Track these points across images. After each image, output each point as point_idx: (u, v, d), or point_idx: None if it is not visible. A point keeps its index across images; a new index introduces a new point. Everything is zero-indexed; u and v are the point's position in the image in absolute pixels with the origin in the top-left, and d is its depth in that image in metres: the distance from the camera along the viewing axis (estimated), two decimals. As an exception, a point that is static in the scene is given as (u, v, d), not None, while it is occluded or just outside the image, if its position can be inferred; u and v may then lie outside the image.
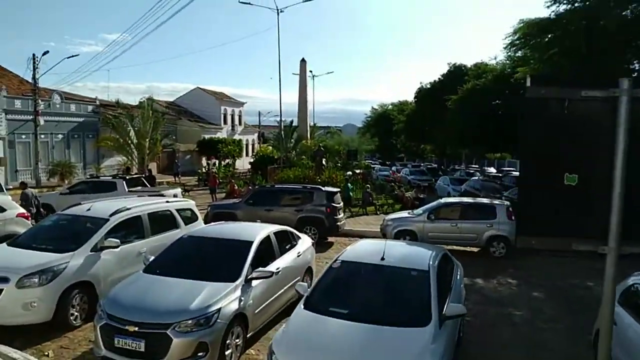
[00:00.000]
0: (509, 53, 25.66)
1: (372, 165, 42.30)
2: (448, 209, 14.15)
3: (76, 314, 7.24)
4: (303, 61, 37.12)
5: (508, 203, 14.19)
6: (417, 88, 46.05)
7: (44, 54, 30.22)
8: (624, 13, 16.25)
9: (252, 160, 41.77)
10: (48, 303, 6.82)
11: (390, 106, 63.66)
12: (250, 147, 60.00)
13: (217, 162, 43.26)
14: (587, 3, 17.16)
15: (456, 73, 39.41)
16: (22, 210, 11.32)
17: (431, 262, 6.10)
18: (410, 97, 58.27)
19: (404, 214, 15.00)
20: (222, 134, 51.75)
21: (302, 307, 5.56)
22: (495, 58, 33.93)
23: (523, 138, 2.89)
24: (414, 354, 4.69)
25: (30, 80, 30.88)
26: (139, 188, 17.42)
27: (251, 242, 7.28)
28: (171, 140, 39.66)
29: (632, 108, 2.67)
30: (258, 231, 7.83)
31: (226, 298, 6.10)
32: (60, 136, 33.53)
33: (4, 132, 28.01)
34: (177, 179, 33.55)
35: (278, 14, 29.01)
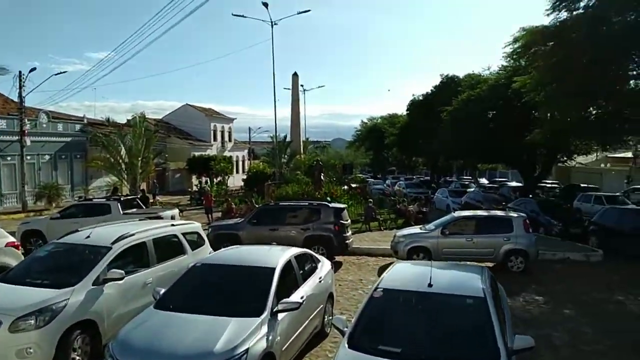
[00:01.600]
0: (509, 62, 25.46)
1: (367, 180, 41.74)
2: (462, 222, 13.56)
3: (78, 358, 6.40)
4: (295, 75, 36.67)
5: (524, 215, 13.66)
6: (409, 100, 45.83)
7: (31, 70, 29.21)
8: (628, 19, 15.93)
9: (244, 177, 40.98)
10: (46, 348, 5.98)
11: (379, 120, 63.37)
12: (240, 163, 59.29)
13: (208, 180, 42.41)
14: (589, 10, 16.86)
15: (448, 84, 39.22)
16: (12, 238, 10.43)
17: (484, 287, 5.44)
18: (399, 110, 58.26)
19: (415, 229, 14.36)
20: (212, 151, 51.03)
21: (346, 345, 4.84)
22: (488, 68, 33.73)
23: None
24: None
25: (15, 99, 29.90)
26: (134, 210, 16.57)
27: (273, 269, 6.56)
28: (162, 159, 38.70)
29: None
30: (279, 256, 7.11)
31: (253, 336, 5.35)
32: (47, 157, 32.47)
33: (-13, 154, 27.01)
34: (155, 199, 31.11)
35: (272, 26, 28.53)
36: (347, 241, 13.99)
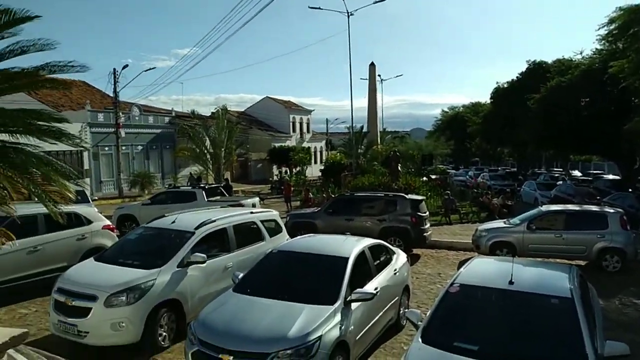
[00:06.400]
0: (604, 45, 23.43)
1: (448, 171, 40.50)
2: (551, 217, 12.71)
3: (164, 334, 6.83)
4: (372, 65, 36.36)
5: (622, 211, 12.54)
6: (494, 88, 43.46)
7: (124, 67, 31.42)
8: None
9: (322, 167, 41.42)
10: (136, 323, 6.44)
11: (462, 108, 61.03)
12: (318, 154, 59.97)
13: (287, 170, 43.39)
14: None
15: (536, 71, 36.69)
16: (108, 222, 11.30)
17: (572, 287, 5.05)
18: (482, 99, 55.78)
19: (499, 223, 13.69)
20: (291, 142, 52.05)
21: (420, 340, 4.72)
22: (581, 53, 31.11)
23: None
24: None
25: (110, 94, 32.32)
26: (218, 197, 17.36)
27: (347, 259, 6.54)
28: (245, 149, 40.17)
29: None
30: (353, 246, 7.07)
31: (326, 324, 5.38)
32: (139, 147, 34.88)
33: (88, 144, 29.40)
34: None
35: (348, 17, 28.39)
36: (425, 234, 13.66)
